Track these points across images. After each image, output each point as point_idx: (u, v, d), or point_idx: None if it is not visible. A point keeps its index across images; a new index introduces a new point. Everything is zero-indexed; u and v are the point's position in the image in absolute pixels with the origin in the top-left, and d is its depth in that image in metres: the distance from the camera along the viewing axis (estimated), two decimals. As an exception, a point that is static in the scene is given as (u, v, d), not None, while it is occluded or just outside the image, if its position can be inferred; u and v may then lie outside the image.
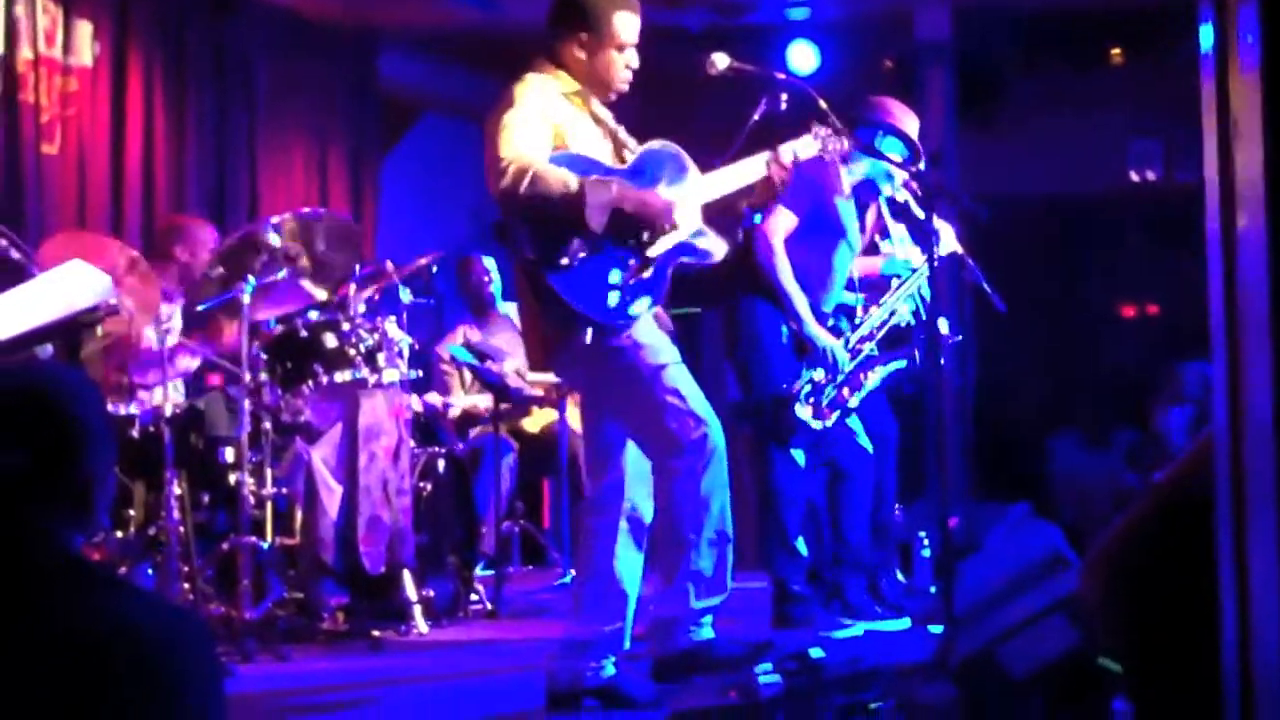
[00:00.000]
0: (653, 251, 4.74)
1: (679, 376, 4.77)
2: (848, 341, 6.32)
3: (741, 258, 6.23)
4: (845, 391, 6.29)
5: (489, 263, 8.81)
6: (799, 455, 6.31)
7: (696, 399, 4.76)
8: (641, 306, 4.76)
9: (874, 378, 6.38)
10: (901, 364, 6.43)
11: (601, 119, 4.93)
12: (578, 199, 4.52)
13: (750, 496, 6.21)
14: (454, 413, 8.55)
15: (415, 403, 7.88)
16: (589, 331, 4.64)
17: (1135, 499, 3.15)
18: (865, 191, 6.52)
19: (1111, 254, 10.67)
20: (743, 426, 6.39)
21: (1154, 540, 3.07)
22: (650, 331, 4.81)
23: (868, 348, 6.37)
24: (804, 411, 6.21)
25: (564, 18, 4.87)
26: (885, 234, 6.64)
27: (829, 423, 6.28)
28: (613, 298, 4.67)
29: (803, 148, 5.14)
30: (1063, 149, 10.43)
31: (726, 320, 6.47)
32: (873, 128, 6.34)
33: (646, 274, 4.75)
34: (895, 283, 6.52)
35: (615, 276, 4.68)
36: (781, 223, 6.23)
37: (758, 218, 6.21)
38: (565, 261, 4.58)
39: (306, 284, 6.53)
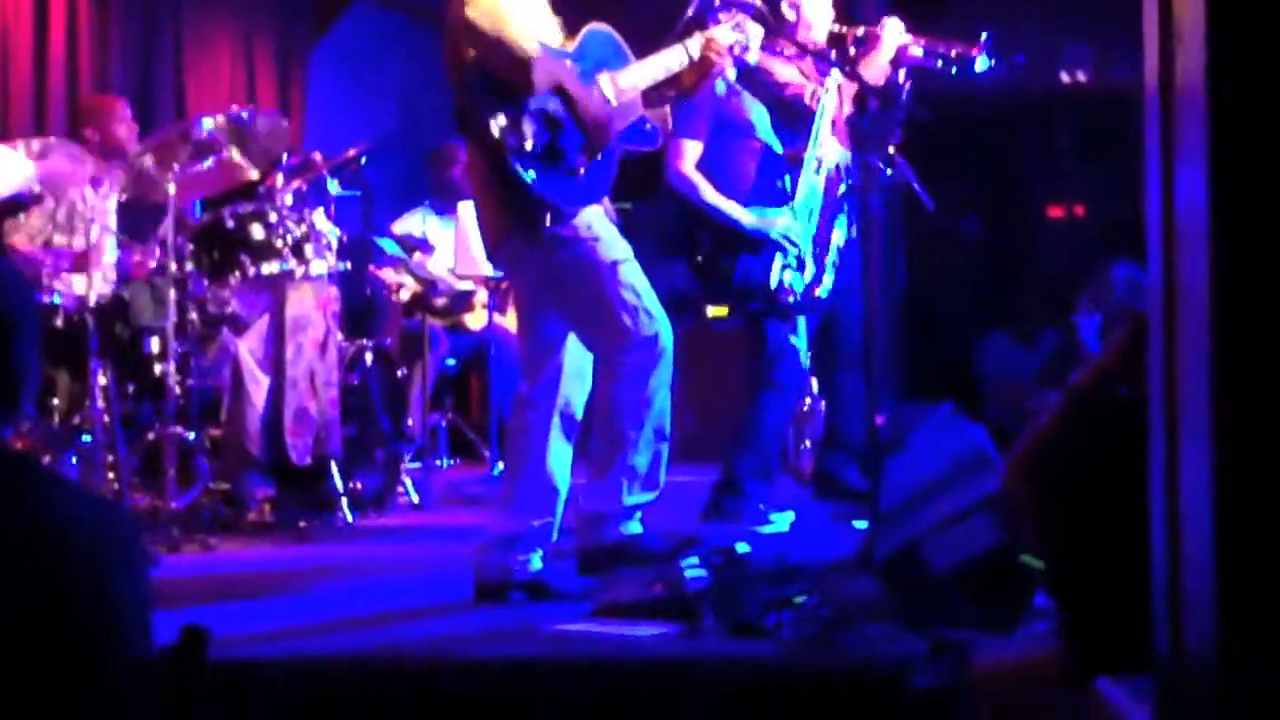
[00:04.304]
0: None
1: (633, 273, 4.79)
2: (793, 211, 6.28)
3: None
4: (818, 254, 6.29)
5: None
6: (800, 342, 6.31)
7: (649, 296, 4.78)
8: (594, 195, 4.81)
9: (840, 224, 6.37)
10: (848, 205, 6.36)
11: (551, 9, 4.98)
12: (532, 61, 4.63)
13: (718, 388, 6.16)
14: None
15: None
16: (548, 216, 4.65)
17: (1054, 401, 3.19)
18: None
19: (1041, 155, 10.69)
20: (738, 319, 6.43)
21: (1071, 441, 3.11)
22: (604, 225, 4.83)
23: (816, 202, 6.33)
24: (799, 284, 6.20)
25: None
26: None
27: (824, 291, 6.29)
28: (570, 183, 4.71)
29: (721, 35, 5.16)
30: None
31: (689, 229, 6.45)
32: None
33: (598, 158, 4.77)
34: (813, 133, 6.42)
35: (572, 162, 4.70)
36: (688, 153, 6.25)
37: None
38: (529, 146, 4.59)
39: (236, 158, 6.46)
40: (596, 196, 4.82)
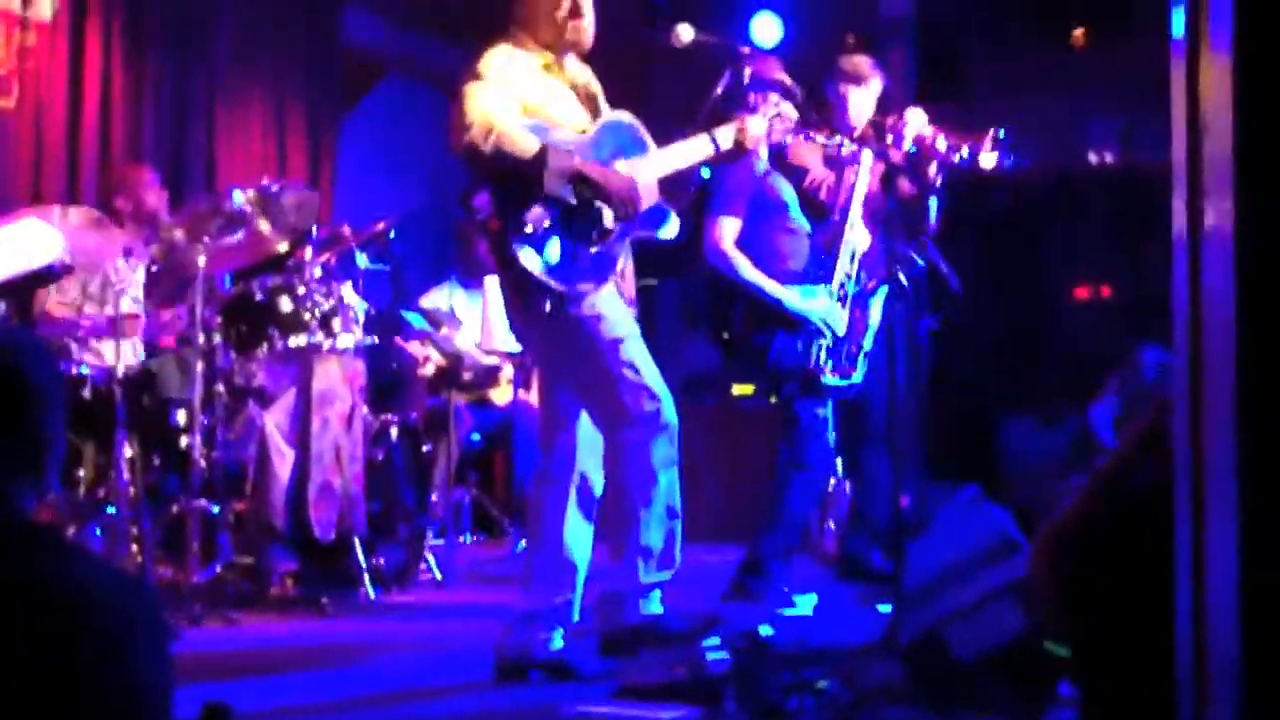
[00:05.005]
0: (610, 223, 4.76)
1: (636, 350, 4.79)
2: (830, 293, 6.27)
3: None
4: (853, 341, 6.27)
5: None
6: (828, 419, 6.30)
7: (651, 374, 4.78)
8: (599, 277, 4.77)
9: (875, 309, 6.35)
10: (885, 288, 6.35)
11: (579, 84, 4.98)
12: (539, 160, 4.58)
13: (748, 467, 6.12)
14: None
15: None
16: (548, 297, 4.65)
17: (1078, 485, 3.17)
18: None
19: (1068, 235, 10.68)
20: (765, 398, 6.41)
21: (1097, 527, 3.10)
22: (611, 303, 4.82)
23: (850, 286, 6.32)
24: (832, 379, 6.21)
25: None
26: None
27: (858, 376, 6.28)
28: (571, 265, 4.69)
29: (754, 126, 5.15)
30: (1022, 128, 10.38)
31: (719, 305, 6.45)
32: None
33: (605, 244, 4.76)
34: (850, 217, 6.40)
35: (574, 246, 4.69)
36: (726, 229, 6.26)
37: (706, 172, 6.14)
38: (529, 229, 4.60)
39: (265, 230, 6.48)
40: (601, 278, 4.79)
